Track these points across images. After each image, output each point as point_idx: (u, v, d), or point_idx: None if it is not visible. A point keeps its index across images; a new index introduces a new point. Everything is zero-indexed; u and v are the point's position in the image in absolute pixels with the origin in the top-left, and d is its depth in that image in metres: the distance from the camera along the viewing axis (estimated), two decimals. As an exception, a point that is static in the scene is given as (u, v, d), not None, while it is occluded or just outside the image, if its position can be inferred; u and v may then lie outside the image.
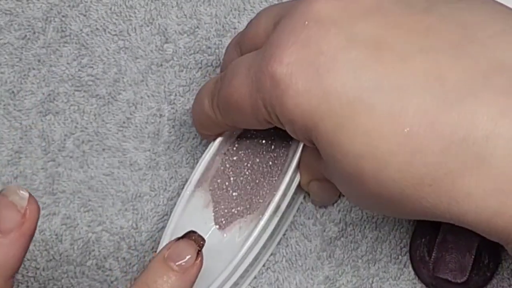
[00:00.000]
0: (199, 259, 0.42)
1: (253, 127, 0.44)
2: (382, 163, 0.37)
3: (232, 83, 0.42)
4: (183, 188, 0.48)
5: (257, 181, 0.47)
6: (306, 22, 0.39)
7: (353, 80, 0.37)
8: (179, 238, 0.43)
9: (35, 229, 0.38)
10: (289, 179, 0.46)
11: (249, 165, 0.48)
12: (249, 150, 0.48)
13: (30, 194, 0.38)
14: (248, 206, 0.47)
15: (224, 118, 0.44)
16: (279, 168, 0.47)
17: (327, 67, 0.38)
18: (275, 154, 0.47)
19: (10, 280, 0.38)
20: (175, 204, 0.48)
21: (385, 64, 0.37)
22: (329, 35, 0.38)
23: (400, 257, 0.49)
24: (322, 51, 0.38)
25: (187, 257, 0.42)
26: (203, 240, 0.43)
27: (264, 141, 0.48)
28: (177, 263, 0.42)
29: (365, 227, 0.50)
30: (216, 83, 0.44)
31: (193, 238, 0.43)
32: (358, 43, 0.38)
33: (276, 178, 0.47)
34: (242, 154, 0.48)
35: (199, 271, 0.42)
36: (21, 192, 0.37)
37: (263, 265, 0.49)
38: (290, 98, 0.38)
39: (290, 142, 0.47)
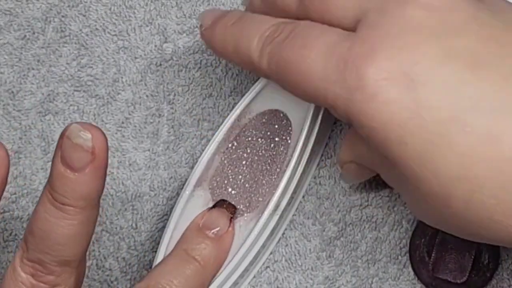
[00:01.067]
0: (232, 226, 0.46)
1: (296, 94, 0.41)
2: (475, 187, 0.36)
3: (303, 52, 0.39)
4: (182, 188, 0.48)
5: (256, 179, 0.47)
6: (402, 28, 0.37)
7: (450, 97, 0.36)
8: (211, 208, 0.46)
9: (107, 158, 0.39)
10: (289, 177, 0.46)
11: (248, 163, 0.48)
12: (248, 149, 0.48)
13: (94, 129, 0.38)
14: (247, 205, 0.47)
15: (268, 69, 0.41)
16: (278, 166, 0.47)
17: (422, 80, 0.36)
18: (274, 152, 0.47)
19: (98, 205, 0.40)
20: (174, 204, 0.48)
21: (484, 83, 0.36)
22: (426, 45, 0.37)
23: (399, 257, 0.49)
24: (418, 61, 0.36)
25: (221, 224, 0.45)
26: (234, 207, 0.46)
27: (263, 140, 0.48)
28: (212, 231, 0.45)
29: (364, 227, 0.49)
30: (275, 31, 0.41)
31: (224, 206, 0.46)
32: (455, 57, 0.36)
33: (275, 176, 0.47)
34: (241, 153, 0.48)
35: (232, 239, 0.46)
36: (83, 134, 0.38)
37: (262, 264, 0.49)
38: (376, 105, 0.37)
39: (289, 141, 0.47)
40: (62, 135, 0.38)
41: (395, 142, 0.37)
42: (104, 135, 0.38)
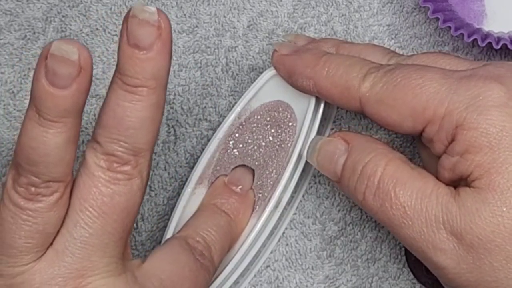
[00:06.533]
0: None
1: (399, 130, 0.42)
2: None
3: (416, 91, 0.41)
4: (182, 187, 0.48)
5: (258, 173, 0.47)
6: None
7: None
8: (234, 167, 0.47)
9: (172, 33, 0.39)
10: (290, 173, 0.46)
11: (248, 159, 0.48)
12: (249, 146, 0.48)
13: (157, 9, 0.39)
14: (249, 202, 0.47)
15: (372, 95, 0.42)
16: (279, 162, 0.47)
17: None
18: (274, 149, 0.47)
19: (165, 88, 0.40)
20: (175, 203, 0.48)
21: None
22: None
23: (399, 256, 0.49)
24: None
25: (246, 181, 0.47)
26: (253, 170, 0.47)
27: (263, 137, 0.48)
28: (238, 187, 0.47)
29: (364, 227, 0.50)
30: (378, 66, 0.43)
31: (246, 165, 0.47)
32: None
33: (277, 171, 0.47)
34: (242, 151, 0.48)
35: (255, 197, 0.46)
36: (148, 8, 0.38)
37: (263, 263, 0.49)
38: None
39: (289, 137, 0.47)
40: (125, 18, 0.38)
41: None
42: (167, 17, 0.39)
